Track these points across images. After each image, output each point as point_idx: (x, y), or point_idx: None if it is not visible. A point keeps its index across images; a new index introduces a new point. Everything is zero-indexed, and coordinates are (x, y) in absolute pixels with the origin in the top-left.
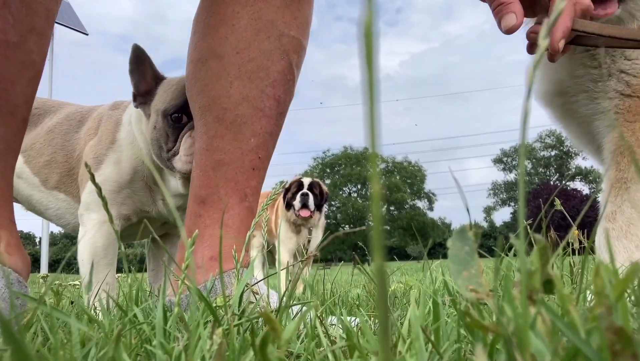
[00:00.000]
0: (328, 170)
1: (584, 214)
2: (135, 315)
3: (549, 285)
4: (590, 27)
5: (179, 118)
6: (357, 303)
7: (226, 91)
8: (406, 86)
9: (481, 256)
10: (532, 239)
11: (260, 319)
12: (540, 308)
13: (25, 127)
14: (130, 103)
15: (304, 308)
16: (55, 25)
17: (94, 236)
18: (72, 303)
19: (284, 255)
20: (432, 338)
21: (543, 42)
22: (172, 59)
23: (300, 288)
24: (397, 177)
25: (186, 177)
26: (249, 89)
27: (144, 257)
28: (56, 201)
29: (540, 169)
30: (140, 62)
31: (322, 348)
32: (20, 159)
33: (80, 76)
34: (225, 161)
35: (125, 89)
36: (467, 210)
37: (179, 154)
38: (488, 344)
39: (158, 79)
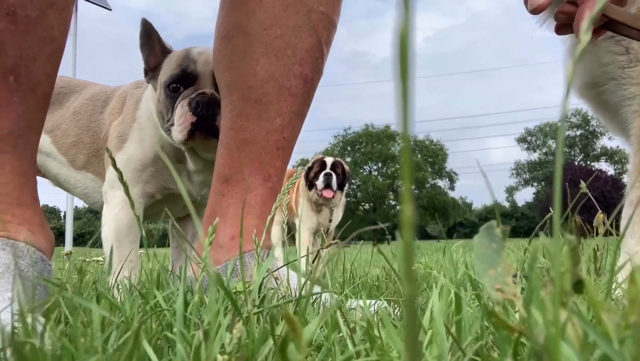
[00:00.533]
0: (349, 148)
1: (609, 196)
2: (156, 300)
3: (579, 286)
4: (622, 16)
5: (176, 88)
6: (376, 284)
7: (252, 68)
8: (429, 63)
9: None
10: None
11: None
12: (571, 314)
13: (48, 103)
14: (148, 88)
15: (325, 295)
16: (79, 0)
17: (117, 213)
18: (94, 283)
19: (304, 234)
20: (454, 331)
21: (585, 37)
22: (196, 35)
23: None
24: (419, 156)
25: (188, 148)
26: (275, 67)
27: (166, 232)
28: (84, 180)
29: (565, 149)
30: (148, 36)
31: (340, 334)
32: (47, 139)
33: (104, 52)
34: (249, 140)
35: None
36: (492, 195)
37: (175, 125)
38: (512, 343)
39: (165, 52)
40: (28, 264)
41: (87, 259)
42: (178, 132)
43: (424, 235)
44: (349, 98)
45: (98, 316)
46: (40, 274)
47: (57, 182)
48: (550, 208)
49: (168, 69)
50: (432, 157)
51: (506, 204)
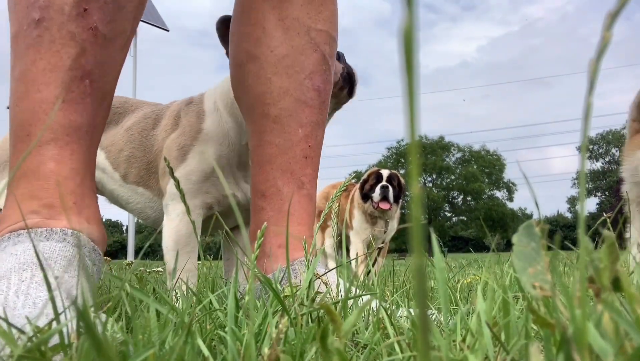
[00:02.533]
0: (402, 160)
1: None
2: (210, 302)
3: (617, 283)
4: None
5: None
6: (430, 295)
7: (267, 87)
8: (484, 72)
9: (564, 248)
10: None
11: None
12: (606, 306)
13: (107, 116)
14: (205, 93)
15: (374, 302)
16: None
17: (177, 225)
18: (154, 289)
19: (358, 245)
20: (502, 334)
21: (608, 35)
22: None
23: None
24: (474, 167)
25: None
26: (288, 83)
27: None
28: (136, 195)
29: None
30: (227, 27)
31: (389, 340)
32: (102, 155)
33: (162, 71)
34: (277, 153)
35: (204, 82)
36: (536, 204)
37: None
38: (557, 341)
39: None
40: (87, 254)
41: (147, 270)
42: None
43: (481, 247)
44: (401, 110)
45: (155, 313)
46: (94, 264)
47: (112, 198)
48: (617, 218)
49: None
50: (488, 167)
51: (568, 215)
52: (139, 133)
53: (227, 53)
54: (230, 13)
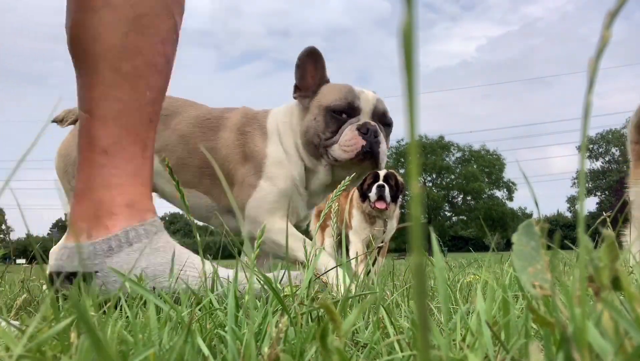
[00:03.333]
0: (402, 159)
1: None
2: (210, 301)
3: (617, 282)
4: None
5: (340, 114)
6: (430, 295)
7: (122, 42)
8: (484, 72)
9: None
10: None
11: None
12: (605, 305)
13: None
14: (270, 113)
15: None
16: None
17: (282, 232)
18: (154, 288)
19: (357, 245)
20: (502, 333)
21: (607, 33)
22: (250, 52)
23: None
24: (474, 166)
25: (338, 165)
26: (143, 44)
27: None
28: (189, 197)
29: (629, 157)
30: (314, 61)
31: (389, 339)
32: (155, 159)
33: None
34: (124, 111)
35: (204, 81)
36: (536, 204)
37: (337, 144)
38: (557, 340)
39: (322, 80)
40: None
41: None
42: (343, 151)
43: (481, 247)
44: (401, 110)
45: (155, 313)
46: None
47: (164, 195)
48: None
49: (332, 96)
50: (488, 167)
51: (568, 215)
52: (194, 142)
53: (299, 78)
54: (230, 12)
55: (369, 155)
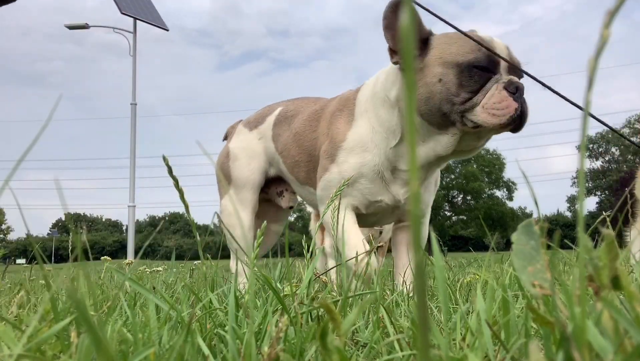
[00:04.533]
0: None
1: None
2: (210, 301)
3: (617, 282)
4: None
5: (480, 69)
6: (429, 294)
7: None
8: None
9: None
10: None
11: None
12: (605, 304)
13: None
14: (359, 94)
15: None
16: (138, 22)
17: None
18: (154, 288)
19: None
20: (502, 332)
21: (606, 32)
22: (250, 51)
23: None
24: (474, 166)
25: (474, 133)
26: None
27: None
28: (308, 194)
29: (629, 156)
30: (396, 14)
31: (389, 338)
32: (280, 160)
33: (162, 70)
34: None
35: (203, 81)
36: (536, 203)
37: (481, 106)
38: (557, 340)
39: (423, 33)
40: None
41: (147, 269)
42: (491, 115)
43: (481, 247)
44: None
45: (155, 312)
46: None
47: (301, 197)
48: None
49: (458, 48)
50: (488, 166)
51: (568, 214)
52: (303, 137)
53: (390, 44)
54: (230, 12)
55: (517, 119)
